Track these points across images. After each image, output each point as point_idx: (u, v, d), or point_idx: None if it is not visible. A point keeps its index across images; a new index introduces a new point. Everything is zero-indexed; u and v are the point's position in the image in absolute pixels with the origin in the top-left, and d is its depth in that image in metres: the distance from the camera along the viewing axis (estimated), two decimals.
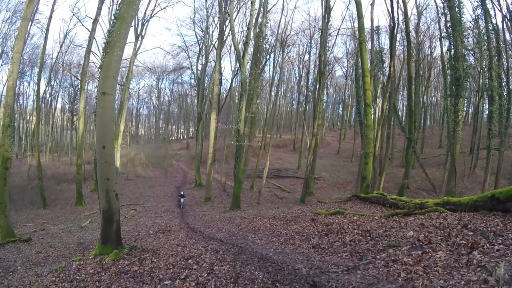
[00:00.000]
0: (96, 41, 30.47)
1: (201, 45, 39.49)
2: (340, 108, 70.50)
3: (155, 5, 34.43)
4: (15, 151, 45.06)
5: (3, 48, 38.28)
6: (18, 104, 48.73)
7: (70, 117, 51.24)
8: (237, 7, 30.94)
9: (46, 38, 27.89)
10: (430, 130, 49.95)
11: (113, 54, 8.36)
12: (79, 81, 34.32)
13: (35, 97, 33.19)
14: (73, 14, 34.17)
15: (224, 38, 30.95)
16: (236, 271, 6.38)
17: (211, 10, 36.15)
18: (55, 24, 76.99)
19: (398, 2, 26.02)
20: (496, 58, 23.15)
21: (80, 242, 13.05)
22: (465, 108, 33.95)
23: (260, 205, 23.95)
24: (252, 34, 25.12)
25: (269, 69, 40.54)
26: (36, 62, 42.38)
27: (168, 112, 68.95)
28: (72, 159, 41.05)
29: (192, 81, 51.79)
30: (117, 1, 25.27)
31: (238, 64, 25.85)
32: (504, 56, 25.31)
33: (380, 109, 27.85)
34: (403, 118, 41.91)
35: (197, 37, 39.93)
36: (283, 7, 55.96)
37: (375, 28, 30.56)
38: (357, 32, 24.69)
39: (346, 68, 54.66)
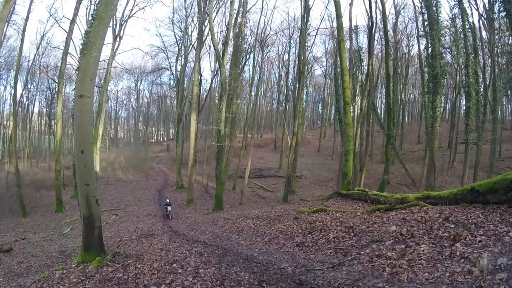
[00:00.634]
0: (73, 43, 29.81)
1: (180, 45, 39.10)
2: (320, 107, 71.22)
3: (133, 5, 33.59)
4: None
5: None
6: None
7: (47, 121, 49.66)
8: (216, 7, 30.77)
9: (22, 40, 27.17)
10: (408, 126, 51.05)
11: (91, 55, 8.18)
12: (56, 84, 33.40)
13: (11, 101, 32.22)
14: (50, 15, 33.09)
15: (204, 38, 30.75)
16: (222, 273, 6.35)
17: (190, 10, 35.79)
18: (32, 26, 75.20)
19: (376, 2, 26.59)
20: (473, 55, 23.74)
21: (62, 250, 12.74)
22: (442, 104, 34.92)
23: (243, 205, 23.96)
24: (231, 34, 25.08)
25: (249, 69, 40.51)
26: (12, 65, 41.02)
27: (148, 114, 68.04)
28: (51, 164, 39.95)
29: (171, 82, 51.15)
30: (95, 1, 24.72)
31: (217, 64, 25.72)
32: (481, 54, 26.06)
33: (359, 107, 28.20)
34: (382, 115, 42.58)
35: (176, 38, 39.48)
36: (262, 7, 56.40)
37: (353, 28, 30.95)
38: (336, 32, 24.90)
39: (325, 67, 55.12)
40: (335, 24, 27.50)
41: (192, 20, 36.53)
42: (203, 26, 28.91)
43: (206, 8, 26.75)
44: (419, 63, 33.38)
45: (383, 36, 28.24)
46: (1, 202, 28.02)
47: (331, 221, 9.88)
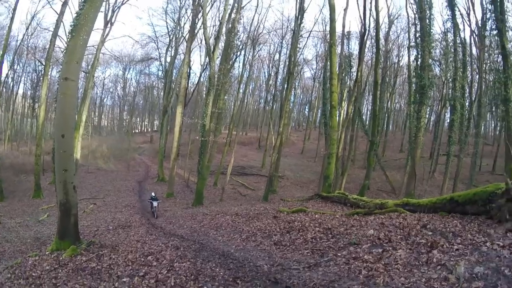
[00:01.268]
0: (63, 25, 28.88)
1: (171, 36, 38.56)
2: (306, 109, 71.60)
3: None
4: None
5: None
6: None
7: (31, 104, 48.28)
8: (211, 0, 30.57)
9: (12, 18, 26.51)
10: (392, 134, 51.59)
11: (79, 38, 7.98)
12: (43, 66, 32.57)
13: None
14: None
15: (196, 31, 30.43)
16: (197, 268, 6.32)
17: (185, 1, 35.36)
18: (23, 4, 72.84)
19: (370, 10, 26.72)
20: (461, 70, 24.29)
21: (37, 236, 12.58)
22: (427, 116, 35.42)
23: (223, 201, 23.82)
24: (224, 29, 24.89)
25: (239, 66, 40.44)
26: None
27: (133, 104, 66.69)
28: (32, 148, 38.81)
29: (160, 73, 50.19)
30: None
31: (207, 58, 25.56)
32: (469, 69, 26.78)
33: (345, 112, 28.41)
34: (367, 121, 43.02)
35: (168, 28, 38.93)
36: (257, 5, 55.49)
37: (346, 33, 31.09)
38: (328, 36, 25.04)
39: (314, 70, 55.42)
40: (328, 28, 27.68)
41: (186, 12, 36.10)
42: (196, 19, 28.61)
43: (201, 0, 26.50)
44: (407, 73, 33.98)
45: (375, 44, 28.59)
46: None
47: (310, 221, 9.92)
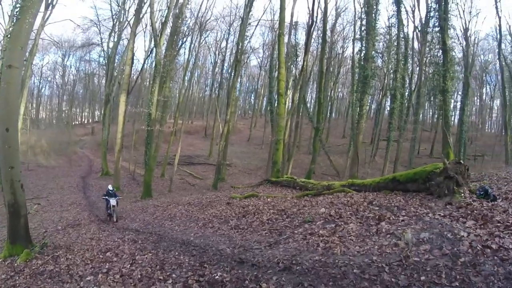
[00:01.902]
0: (1, 7, 26.64)
1: (115, 20, 36.42)
2: (252, 97, 72.04)
3: None
4: None
5: None
6: None
7: None
8: None
9: None
10: (335, 121, 53.86)
11: (25, 21, 7.35)
12: None
13: None
14: None
15: (141, 16, 28.99)
16: (160, 258, 6.33)
17: None
18: None
19: (319, 2, 27.55)
20: (403, 62, 25.92)
21: None
22: (369, 104, 37.20)
23: (172, 192, 23.55)
24: (171, 13, 24.21)
25: (185, 52, 39.54)
26: None
27: (73, 93, 62.62)
28: None
29: (101, 59, 47.80)
30: None
31: (152, 44, 24.77)
32: (410, 62, 28.60)
33: (290, 100, 29.05)
34: (311, 109, 44.36)
35: (112, 12, 36.89)
36: None
37: (293, 23, 31.60)
38: (276, 25, 25.34)
39: (261, 59, 55.76)
40: (276, 18, 27.95)
41: None
42: (142, 3, 27.44)
43: None
44: (351, 63, 35.24)
45: (321, 35, 29.47)
46: None
47: (264, 205, 10.28)
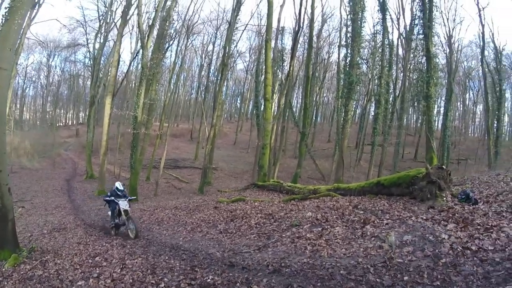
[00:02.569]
0: None
1: (101, 21, 35.98)
2: (238, 101, 72.10)
3: None
4: None
5: None
6: None
7: None
8: None
9: None
10: (320, 126, 54.40)
11: (14, 22, 7.21)
12: None
13: None
14: None
15: (128, 17, 28.86)
16: (151, 263, 6.34)
17: None
18: None
19: (306, 8, 27.84)
20: (387, 68, 26.45)
21: None
22: (354, 109, 37.68)
23: (158, 196, 23.35)
24: (159, 16, 24.15)
25: (171, 55, 39.38)
26: None
27: (57, 94, 61.50)
28: None
29: (87, 60, 47.16)
30: None
31: (139, 46, 24.63)
32: (394, 68, 29.11)
33: (276, 104, 29.28)
34: (297, 114, 44.75)
35: (98, 12, 36.50)
36: None
37: (280, 29, 31.88)
38: (263, 30, 25.55)
39: (247, 63, 55.99)
40: (263, 22, 28.16)
41: None
42: (130, 5, 27.30)
43: None
44: (336, 69, 35.76)
45: (307, 41, 29.81)
46: None
47: (251, 209, 10.40)
